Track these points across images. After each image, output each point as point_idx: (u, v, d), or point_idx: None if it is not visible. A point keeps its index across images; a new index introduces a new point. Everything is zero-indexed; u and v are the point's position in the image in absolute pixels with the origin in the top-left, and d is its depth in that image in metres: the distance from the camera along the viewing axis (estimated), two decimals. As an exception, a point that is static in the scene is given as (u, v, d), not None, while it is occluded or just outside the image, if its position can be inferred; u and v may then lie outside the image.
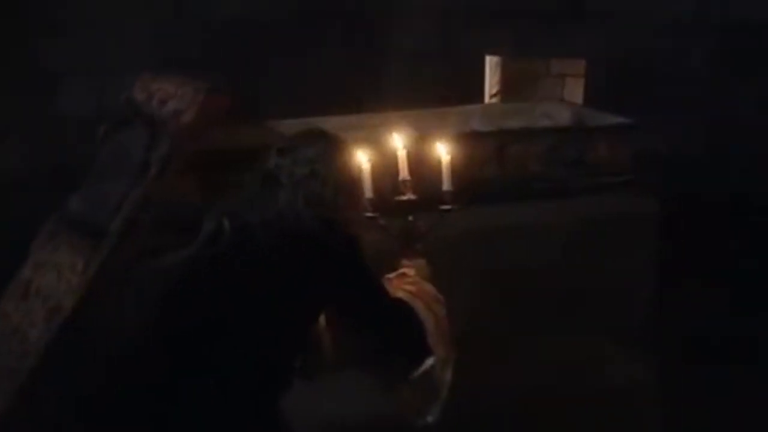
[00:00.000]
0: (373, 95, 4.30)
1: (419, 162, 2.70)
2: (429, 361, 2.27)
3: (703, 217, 4.07)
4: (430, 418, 2.38)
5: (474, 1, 4.85)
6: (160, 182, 2.68)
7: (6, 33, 4.20)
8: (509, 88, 5.52)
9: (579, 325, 3.18)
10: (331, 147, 2.27)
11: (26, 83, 4.27)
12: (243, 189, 2.27)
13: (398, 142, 2.62)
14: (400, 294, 2.34)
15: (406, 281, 2.45)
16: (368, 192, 2.55)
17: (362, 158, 2.56)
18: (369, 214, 2.55)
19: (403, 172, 2.58)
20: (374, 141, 2.75)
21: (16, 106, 4.25)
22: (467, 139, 3.15)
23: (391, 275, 2.46)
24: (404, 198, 2.57)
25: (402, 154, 2.60)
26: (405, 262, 2.52)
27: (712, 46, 4.43)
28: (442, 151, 2.64)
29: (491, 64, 5.23)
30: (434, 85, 4.80)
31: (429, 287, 2.47)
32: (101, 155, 2.95)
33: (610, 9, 4.62)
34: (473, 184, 3.13)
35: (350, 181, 2.30)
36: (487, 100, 5.24)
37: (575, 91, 5.31)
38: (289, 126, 2.97)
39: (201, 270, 2.11)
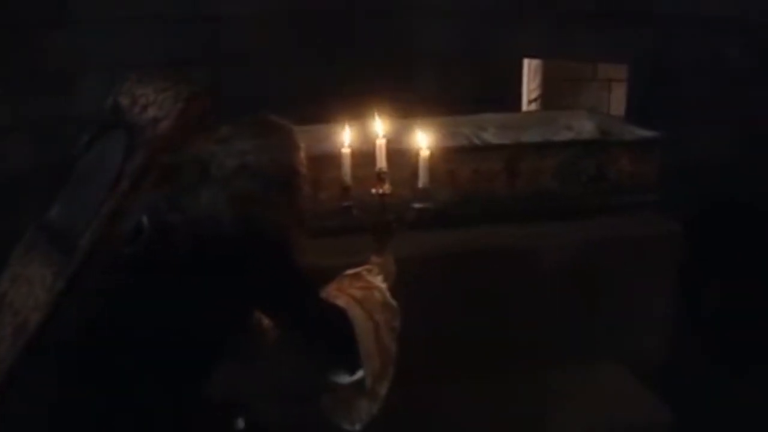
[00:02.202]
0: (400, 100, 4.09)
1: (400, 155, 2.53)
2: (359, 373, 2.13)
3: (735, 232, 3.75)
4: (356, 428, 2.23)
5: (509, 1, 4.63)
6: (135, 194, 2.51)
7: (15, 30, 4.12)
8: (551, 93, 5.31)
9: (592, 356, 2.96)
10: (270, 138, 2.10)
11: (35, 81, 4.21)
12: (177, 178, 2.11)
13: (378, 129, 2.43)
14: (341, 299, 2.18)
15: (357, 285, 2.27)
16: (347, 179, 2.40)
17: (344, 143, 2.42)
18: (345, 204, 2.41)
19: (381, 162, 2.39)
20: (360, 127, 2.59)
21: (27, 104, 4.19)
22: (476, 151, 2.96)
23: (350, 271, 2.31)
24: (379, 191, 2.39)
25: (381, 142, 2.40)
26: (373, 258, 2.37)
27: (757, 47, 4.12)
28: (422, 143, 2.42)
29: (530, 67, 5.01)
30: (469, 90, 4.61)
31: (378, 294, 2.27)
32: (84, 162, 2.81)
33: (652, 10, 4.32)
34: (481, 201, 2.95)
35: (287, 177, 2.10)
36: (525, 105, 5.03)
37: (622, 96, 5.06)
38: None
39: (118, 273, 2.03)
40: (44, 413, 2.08)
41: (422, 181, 2.40)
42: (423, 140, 2.41)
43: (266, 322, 2.17)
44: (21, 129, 4.20)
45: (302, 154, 2.18)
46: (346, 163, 2.42)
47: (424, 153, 2.40)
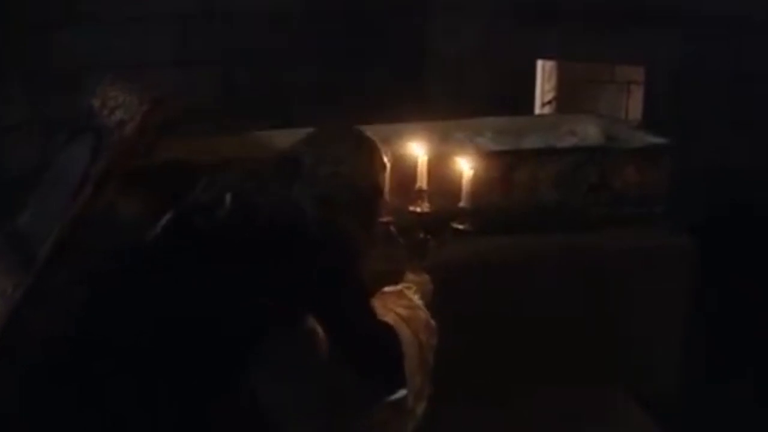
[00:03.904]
0: (411, 103, 3.95)
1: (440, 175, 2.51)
2: (402, 391, 2.11)
3: (755, 247, 3.52)
4: None
5: (523, 1, 4.45)
6: (99, 200, 2.39)
7: (23, 29, 4.06)
8: (567, 96, 5.10)
9: (594, 380, 2.76)
10: (363, 152, 2.14)
11: (43, 80, 4.13)
12: (257, 171, 2.12)
13: (420, 150, 2.45)
14: (390, 316, 2.17)
15: (402, 303, 2.27)
16: (385, 195, 2.37)
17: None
18: (383, 219, 2.38)
19: (421, 181, 2.41)
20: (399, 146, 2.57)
21: (34, 103, 4.12)
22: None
23: (390, 289, 2.31)
24: (417, 209, 2.39)
25: (423, 161, 2.42)
26: (409, 276, 2.37)
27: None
28: (464, 166, 2.42)
29: (544, 69, 4.81)
30: (481, 92, 4.44)
31: (422, 314, 2.29)
32: (54, 165, 2.72)
33: (673, 10, 4.12)
34: (475, 211, 2.75)
35: (373, 194, 2.16)
36: (538, 108, 4.84)
37: (641, 99, 4.86)
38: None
39: (186, 237, 1.98)
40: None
41: (464, 200, 2.39)
42: (466, 162, 2.41)
43: (321, 333, 2.09)
44: (27, 128, 4.15)
45: (385, 175, 2.21)
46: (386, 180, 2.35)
47: (468, 173, 2.40)
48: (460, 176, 2.41)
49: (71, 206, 2.42)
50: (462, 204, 2.39)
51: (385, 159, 2.20)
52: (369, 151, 2.16)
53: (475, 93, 4.46)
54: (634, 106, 5.12)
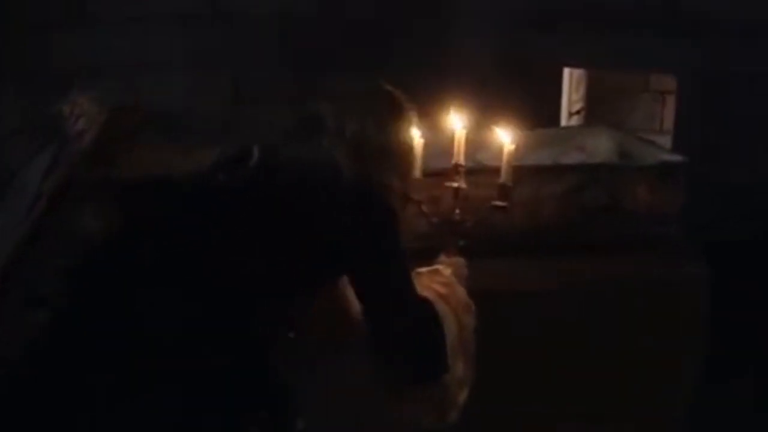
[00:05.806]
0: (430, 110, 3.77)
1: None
2: (443, 377, 1.98)
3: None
4: None
5: (549, 6, 4.23)
6: (56, 214, 2.25)
7: (25, 29, 3.99)
8: (597, 106, 4.87)
9: (601, 416, 2.56)
10: (389, 107, 2.05)
11: (45, 82, 3.99)
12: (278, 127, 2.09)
13: (457, 122, 2.36)
14: (427, 293, 2.03)
15: (438, 280, 2.15)
16: (418, 173, 2.28)
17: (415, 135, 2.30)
18: (414, 197, 2.29)
19: (458, 156, 2.31)
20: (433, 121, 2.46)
21: (36, 105, 4.02)
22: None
23: (423, 270, 2.17)
24: (453, 185, 2.29)
25: (460, 135, 2.32)
26: (443, 258, 2.25)
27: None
28: (505, 139, 2.31)
29: (572, 77, 4.58)
30: (505, 102, 4.23)
31: (461, 293, 2.16)
32: (19, 176, 2.60)
33: (709, 15, 3.89)
34: (472, 233, 2.54)
35: (403, 153, 2.07)
36: (565, 119, 4.61)
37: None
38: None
39: (212, 194, 1.87)
40: None
41: (504, 177, 2.28)
42: (507, 135, 2.31)
43: (356, 310, 1.95)
44: (27, 129, 4.07)
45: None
46: (418, 154, 2.28)
47: (509, 148, 2.29)
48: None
49: (24, 223, 2.29)
50: (502, 180, 2.26)
51: (412, 113, 2.09)
52: (394, 106, 2.07)
53: (499, 103, 4.26)
54: (669, 116, 4.89)
